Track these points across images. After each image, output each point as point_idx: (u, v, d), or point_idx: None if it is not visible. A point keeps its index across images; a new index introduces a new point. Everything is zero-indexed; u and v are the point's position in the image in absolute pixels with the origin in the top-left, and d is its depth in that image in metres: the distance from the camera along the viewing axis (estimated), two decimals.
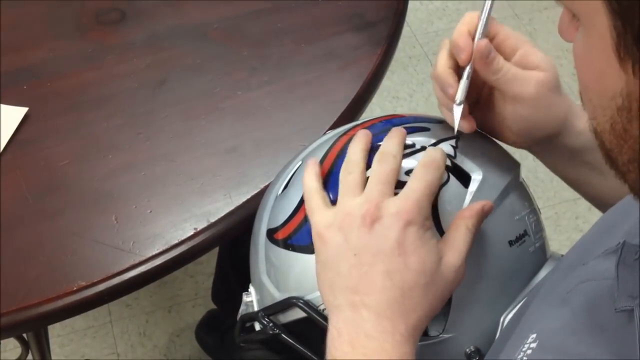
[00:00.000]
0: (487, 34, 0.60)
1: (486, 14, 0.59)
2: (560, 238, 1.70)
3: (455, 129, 0.62)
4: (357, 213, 0.55)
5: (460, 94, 0.61)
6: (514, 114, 0.62)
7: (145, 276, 0.76)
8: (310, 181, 0.60)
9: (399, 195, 0.56)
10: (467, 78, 0.60)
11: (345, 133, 0.66)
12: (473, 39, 0.59)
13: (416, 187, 0.55)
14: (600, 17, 0.36)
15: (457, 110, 0.61)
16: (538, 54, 0.61)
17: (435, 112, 0.65)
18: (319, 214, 0.57)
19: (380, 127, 0.65)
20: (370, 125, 0.66)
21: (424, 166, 0.57)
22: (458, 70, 0.61)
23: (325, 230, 0.56)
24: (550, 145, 0.65)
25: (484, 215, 0.58)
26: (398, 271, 0.53)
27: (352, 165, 0.58)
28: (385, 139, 0.59)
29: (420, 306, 0.54)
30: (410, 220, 0.54)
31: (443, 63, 0.61)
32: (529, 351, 0.46)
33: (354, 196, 0.56)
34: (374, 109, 1.92)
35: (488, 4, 0.59)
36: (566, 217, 1.75)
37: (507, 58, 0.60)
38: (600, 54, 0.37)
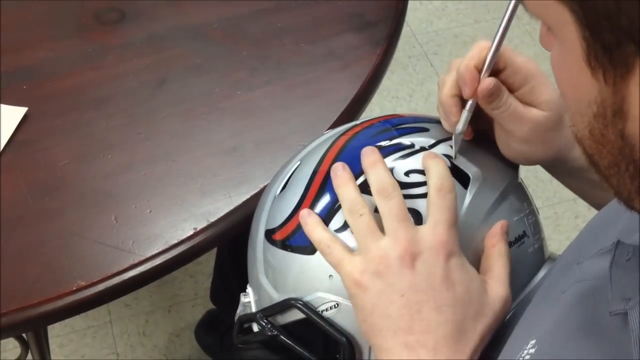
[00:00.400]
0: (497, 65, 0.59)
1: (494, 50, 0.58)
2: (560, 237, 1.70)
3: (454, 155, 0.62)
4: (393, 255, 0.55)
5: (461, 125, 0.61)
6: (507, 144, 0.62)
7: (145, 276, 0.76)
8: (320, 233, 0.59)
9: (426, 228, 0.56)
10: (470, 111, 0.60)
11: (344, 133, 0.65)
12: (480, 71, 0.59)
13: (441, 218, 0.56)
14: (570, 29, 0.37)
15: (457, 139, 0.61)
16: (545, 91, 0.60)
17: (434, 112, 0.65)
18: (348, 262, 0.56)
19: (380, 127, 0.65)
20: (369, 125, 0.66)
21: (439, 191, 0.57)
22: (462, 97, 0.61)
23: (361, 277, 0.55)
24: (547, 165, 0.66)
25: (506, 234, 0.59)
26: (448, 305, 0.54)
27: (356, 206, 0.57)
28: (367, 170, 0.59)
29: (473, 339, 0.54)
30: (450, 252, 0.55)
31: (448, 90, 0.61)
32: (527, 357, 0.47)
33: (377, 238, 0.56)
34: (374, 109, 1.92)
35: (497, 39, 0.58)
36: (566, 216, 1.75)
37: (513, 90, 0.60)
38: (574, 63, 0.38)
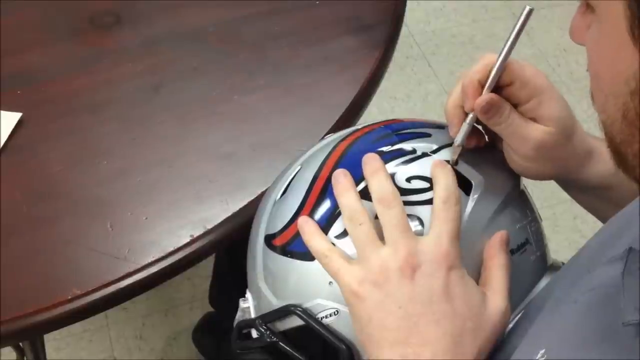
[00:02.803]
0: (504, 80, 0.59)
1: (498, 67, 0.57)
2: (559, 239, 1.70)
3: (452, 164, 0.61)
4: (393, 265, 0.54)
5: (460, 137, 0.61)
6: (512, 158, 0.62)
7: (141, 284, 0.75)
8: (318, 242, 0.58)
9: (428, 239, 0.55)
10: (469, 124, 0.60)
11: (344, 138, 0.65)
12: (484, 86, 0.58)
13: (444, 230, 0.55)
14: (614, 1, 0.37)
15: (456, 150, 0.61)
16: (552, 106, 0.59)
17: (432, 112, 0.65)
18: (347, 272, 0.56)
19: (380, 133, 0.64)
20: (369, 130, 0.65)
21: (445, 203, 0.56)
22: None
23: (360, 287, 0.55)
24: (557, 181, 0.65)
25: (505, 245, 0.58)
26: (446, 318, 0.53)
27: (356, 214, 0.56)
28: (369, 178, 0.58)
29: (470, 351, 0.54)
30: (451, 265, 0.54)
31: (453, 100, 0.61)
32: None
33: (377, 247, 0.55)
34: (371, 110, 1.90)
35: (502, 56, 0.57)
36: (564, 217, 1.74)
37: (520, 103, 0.59)
38: (614, 39, 0.38)
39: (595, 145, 0.62)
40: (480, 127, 0.63)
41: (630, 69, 0.37)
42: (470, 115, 0.60)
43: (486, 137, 0.64)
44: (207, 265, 1.37)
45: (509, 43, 0.57)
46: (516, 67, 0.58)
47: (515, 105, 0.59)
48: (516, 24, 0.56)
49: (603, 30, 0.39)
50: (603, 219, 0.68)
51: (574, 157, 0.61)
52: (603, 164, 0.61)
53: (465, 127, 0.60)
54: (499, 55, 0.57)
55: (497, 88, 0.59)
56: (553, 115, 0.59)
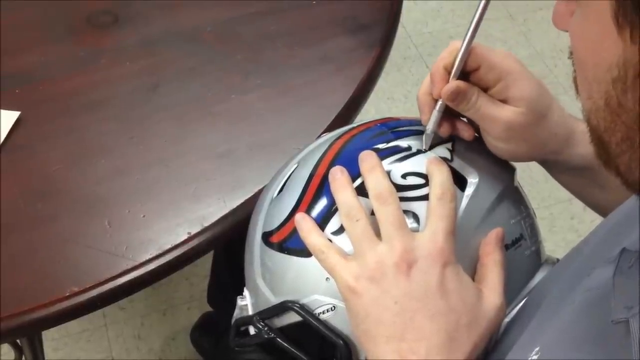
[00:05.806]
0: (470, 65, 0.59)
1: (462, 52, 0.58)
2: (556, 238, 1.70)
3: (424, 150, 0.62)
4: (389, 261, 0.54)
5: (430, 125, 0.61)
6: (489, 142, 0.62)
7: (139, 281, 0.75)
8: (314, 238, 0.58)
9: (423, 235, 0.56)
10: (439, 111, 0.61)
11: (341, 136, 0.65)
12: (450, 72, 0.59)
13: (440, 226, 0.56)
14: None
15: (427, 138, 0.62)
16: (520, 87, 0.59)
17: None
18: (343, 268, 0.56)
19: (376, 130, 0.65)
20: (365, 128, 0.66)
21: (441, 199, 0.57)
22: None
23: (356, 283, 0.55)
24: (540, 162, 0.65)
25: (501, 242, 0.59)
26: (442, 313, 0.54)
27: (353, 210, 0.57)
28: (365, 175, 0.58)
29: (465, 347, 0.54)
30: (446, 261, 0.55)
31: (424, 88, 0.62)
32: None
33: (373, 244, 0.55)
34: (369, 110, 1.92)
35: (465, 41, 0.58)
36: (561, 217, 1.75)
37: (489, 87, 0.60)
38: (598, 25, 0.38)
39: (577, 127, 0.63)
40: (465, 120, 0.64)
41: (613, 57, 0.37)
42: (440, 102, 0.61)
43: (475, 133, 0.64)
44: (205, 265, 1.38)
45: (470, 29, 0.57)
46: (482, 51, 0.59)
47: (485, 89, 0.60)
48: (477, 9, 0.57)
49: (587, 17, 0.39)
50: (590, 204, 0.68)
51: (551, 137, 0.62)
52: (584, 145, 0.61)
53: (435, 115, 0.61)
54: (462, 42, 0.58)
55: (465, 73, 0.59)
56: (523, 96, 0.59)
